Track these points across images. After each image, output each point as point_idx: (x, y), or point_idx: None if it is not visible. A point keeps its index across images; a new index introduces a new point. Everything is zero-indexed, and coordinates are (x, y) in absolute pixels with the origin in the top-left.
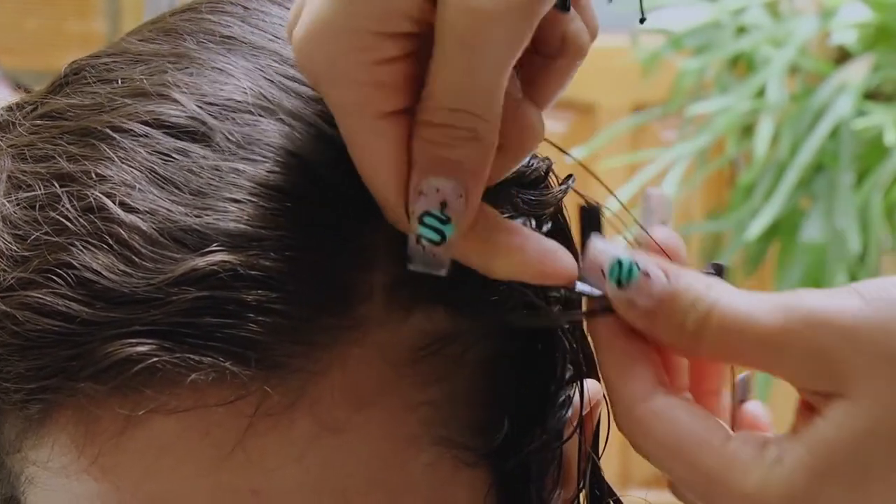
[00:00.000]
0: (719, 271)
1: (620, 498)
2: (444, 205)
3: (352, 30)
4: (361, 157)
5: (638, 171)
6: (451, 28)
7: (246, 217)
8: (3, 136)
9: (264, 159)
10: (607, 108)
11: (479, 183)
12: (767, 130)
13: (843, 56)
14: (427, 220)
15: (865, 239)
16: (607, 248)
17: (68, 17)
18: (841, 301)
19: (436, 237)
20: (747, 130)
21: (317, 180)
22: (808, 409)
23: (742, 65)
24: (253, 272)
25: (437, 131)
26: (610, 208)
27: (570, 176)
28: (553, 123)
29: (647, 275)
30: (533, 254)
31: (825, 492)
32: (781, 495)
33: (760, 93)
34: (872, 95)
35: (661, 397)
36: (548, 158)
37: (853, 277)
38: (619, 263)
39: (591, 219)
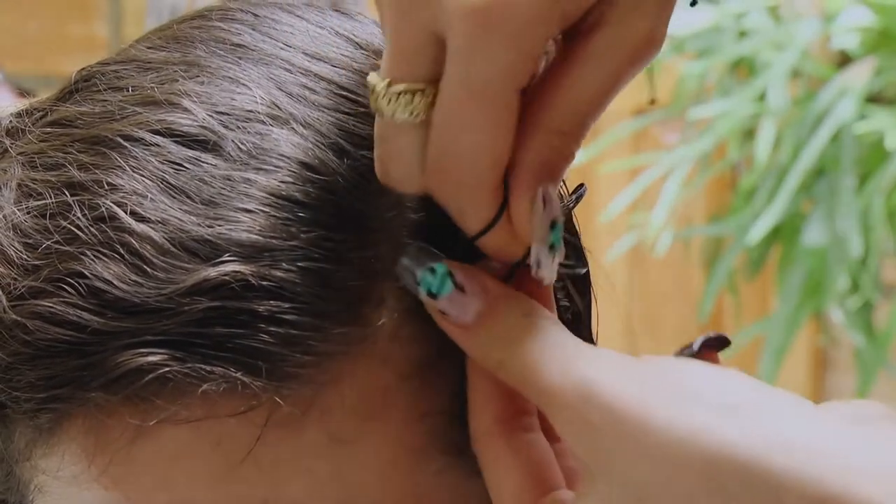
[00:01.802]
0: (720, 344)
1: None
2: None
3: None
4: (472, 129)
5: (639, 174)
6: (618, 46)
7: (258, 227)
8: (12, 143)
9: (276, 169)
10: (608, 112)
11: None
12: (769, 134)
13: (844, 60)
14: (557, 227)
15: (867, 243)
16: (423, 255)
17: (70, 20)
18: (621, 383)
19: (557, 244)
20: (749, 134)
21: (329, 190)
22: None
23: (743, 68)
24: (265, 283)
25: (566, 142)
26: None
27: (581, 185)
28: None
29: (461, 289)
30: None
31: None
32: None
33: (762, 97)
34: (875, 99)
35: (506, 438)
36: None
37: (854, 281)
38: (432, 271)
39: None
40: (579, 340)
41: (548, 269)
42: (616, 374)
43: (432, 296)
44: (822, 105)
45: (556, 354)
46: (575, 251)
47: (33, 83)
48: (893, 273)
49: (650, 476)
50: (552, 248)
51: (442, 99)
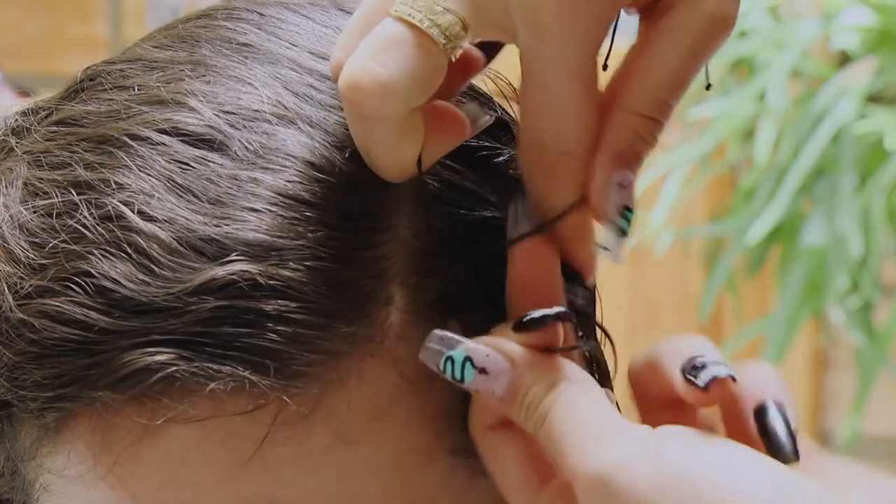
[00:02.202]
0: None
1: None
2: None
3: None
4: (572, 109)
5: (639, 174)
6: (690, 27)
7: (265, 227)
8: (18, 142)
9: (283, 168)
10: None
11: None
12: (769, 134)
13: (844, 60)
14: (627, 213)
15: (867, 243)
16: (441, 345)
17: (69, 20)
18: (636, 477)
19: (627, 230)
20: (749, 134)
21: (335, 189)
22: None
23: (743, 68)
24: (273, 282)
25: (646, 124)
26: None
27: None
28: None
29: (484, 372)
30: None
31: None
32: None
33: (762, 96)
34: (875, 99)
35: (505, 431)
36: None
37: (855, 281)
38: (451, 360)
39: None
40: (604, 409)
41: (616, 254)
42: (633, 465)
43: (459, 382)
44: (822, 105)
45: (579, 438)
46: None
47: (33, 83)
48: (893, 273)
49: None
50: (623, 232)
51: (537, 80)
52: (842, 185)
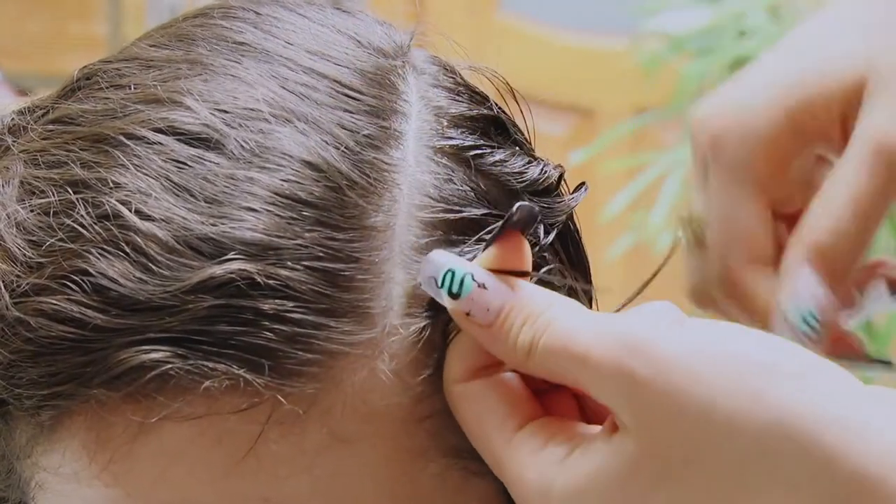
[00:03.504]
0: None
1: None
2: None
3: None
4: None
5: (638, 174)
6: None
7: (262, 226)
8: (15, 141)
9: (279, 167)
10: (608, 111)
11: None
12: None
13: None
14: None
15: None
16: (443, 259)
17: (69, 19)
18: (668, 335)
19: (809, 332)
20: None
21: (332, 189)
22: (612, 425)
23: (743, 68)
24: (270, 281)
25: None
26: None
27: (582, 184)
28: (553, 126)
29: (483, 286)
30: None
31: None
32: (560, 496)
33: None
34: None
35: (479, 379)
36: (560, 166)
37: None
38: (452, 273)
39: (525, 218)
40: (598, 313)
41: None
42: (662, 328)
43: (455, 296)
44: None
45: (594, 318)
46: (575, 249)
47: (33, 82)
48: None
49: (698, 435)
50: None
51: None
52: None
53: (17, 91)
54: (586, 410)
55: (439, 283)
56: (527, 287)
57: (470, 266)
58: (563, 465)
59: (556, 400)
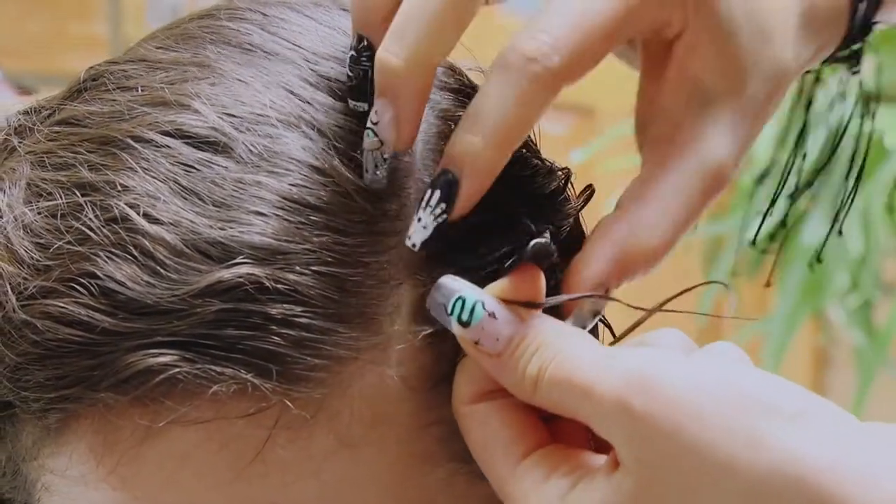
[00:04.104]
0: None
1: None
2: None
3: None
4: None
5: None
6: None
7: (271, 230)
8: (21, 142)
9: (287, 172)
10: (608, 111)
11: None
12: (769, 133)
13: None
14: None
15: (867, 241)
16: (454, 285)
17: (69, 19)
18: (672, 372)
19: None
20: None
21: (340, 193)
22: (614, 461)
23: None
24: (279, 286)
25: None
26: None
27: (589, 186)
28: (553, 126)
29: (493, 315)
30: None
31: None
32: None
33: None
34: (876, 98)
35: (487, 402)
36: (567, 168)
37: (854, 279)
38: (462, 300)
39: (540, 254)
40: (603, 347)
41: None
42: (666, 363)
43: (464, 324)
44: (823, 104)
45: (600, 352)
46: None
47: (33, 81)
48: (893, 271)
49: (698, 475)
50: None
51: None
52: (842, 184)
53: (18, 90)
54: (596, 437)
55: (449, 310)
56: (537, 319)
57: (480, 294)
58: (564, 501)
59: (565, 426)
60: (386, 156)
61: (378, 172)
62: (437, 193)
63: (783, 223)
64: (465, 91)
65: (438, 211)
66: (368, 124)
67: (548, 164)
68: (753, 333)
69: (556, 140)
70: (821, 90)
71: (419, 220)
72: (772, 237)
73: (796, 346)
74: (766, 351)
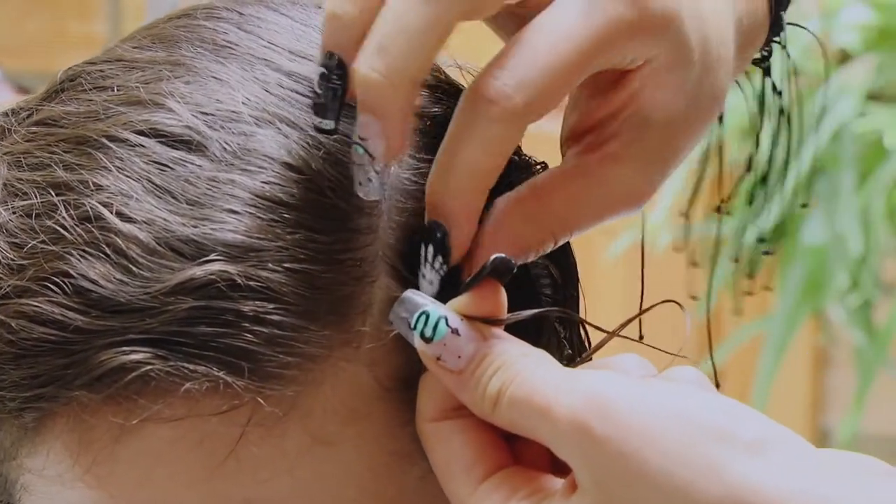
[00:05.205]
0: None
1: None
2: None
3: None
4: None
5: None
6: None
7: (244, 228)
8: None
9: (261, 170)
10: None
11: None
12: (769, 132)
13: (844, 58)
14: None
15: (867, 241)
16: (418, 300)
17: (69, 18)
18: (630, 396)
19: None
20: (749, 132)
21: (314, 191)
22: (572, 484)
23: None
24: (251, 283)
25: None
26: None
27: None
28: (553, 125)
29: (456, 332)
30: None
31: None
32: None
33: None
34: (875, 97)
35: (449, 420)
36: (545, 163)
37: (854, 279)
38: (426, 315)
39: (500, 269)
40: (563, 369)
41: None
42: (626, 386)
43: (427, 340)
44: (822, 103)
45: (560, 374)
46: (562, 252)
47: (33, 81)
48: (893, 271)
49: (653, 499)
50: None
51: None
52: (842, 184)
53: (18, 89)
54: (557, 459)
55: (412, 325)
56: (500, 337)
57: (445, 310)
58: None
59: (527, 446)
60: (378, 168)
61: (372, 184)
62: (431, 248)
63: (783, 223)
64: (441, 87)
65: (437, 265)
66: (355, 139)
67: (525, 158)
68: (753, 333)
69: (555, 140)
70: (820, 89)
71: (423, 276)
72: (771, 237)
73: (796, 345)
74: (766, 351)
